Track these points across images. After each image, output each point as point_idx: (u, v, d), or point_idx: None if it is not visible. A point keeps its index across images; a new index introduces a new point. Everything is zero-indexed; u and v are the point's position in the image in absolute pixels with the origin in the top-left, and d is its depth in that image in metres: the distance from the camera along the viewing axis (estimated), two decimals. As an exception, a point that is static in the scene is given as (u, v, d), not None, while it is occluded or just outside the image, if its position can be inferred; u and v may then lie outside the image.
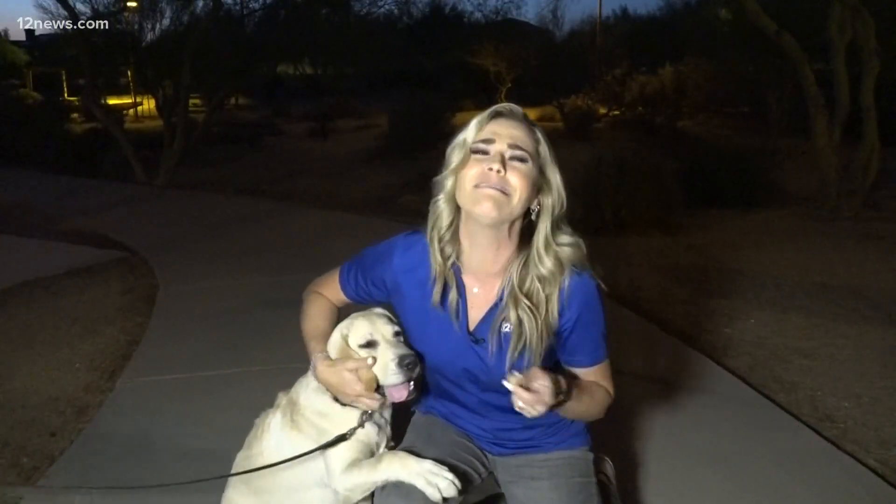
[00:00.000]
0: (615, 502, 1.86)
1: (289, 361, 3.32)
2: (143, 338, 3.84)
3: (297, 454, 1.65)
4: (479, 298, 1.61)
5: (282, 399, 1.79)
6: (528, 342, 1.52)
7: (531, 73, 19.01)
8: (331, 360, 1.63)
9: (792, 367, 3.46)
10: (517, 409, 1.40)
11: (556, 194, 1.53)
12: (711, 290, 4.64)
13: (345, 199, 8.81)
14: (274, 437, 1.74)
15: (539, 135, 1.53)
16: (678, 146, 11.08)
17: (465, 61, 21.85)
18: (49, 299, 4.63)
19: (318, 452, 1.65)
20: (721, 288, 4.68)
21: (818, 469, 2.49)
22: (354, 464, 1.60)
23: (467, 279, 1.61)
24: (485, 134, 1.50)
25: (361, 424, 1.63)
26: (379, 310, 1.72)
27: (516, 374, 1.40)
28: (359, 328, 1.65)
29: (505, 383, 1.39)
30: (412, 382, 1.60)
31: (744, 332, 3.91)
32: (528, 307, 1.51)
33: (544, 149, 1.53)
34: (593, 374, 1.64)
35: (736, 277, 4.92)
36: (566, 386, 1.48)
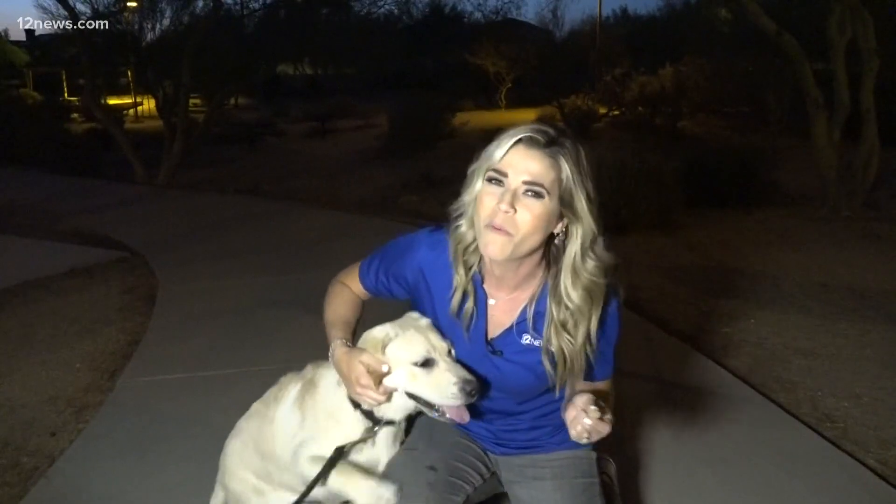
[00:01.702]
0: (617, 502, 1.86)
1: (289, 361, 3.32)
2: (143, 338, 3.84)
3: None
4: (499, 310, 1.61)
5: (309, 372, 1.76)
6: (572, 367, 1.53)
7: (531, 73, 19.05)
8: (349, 347, 1.60)
9: (792, 366, 3.46)
10: (581, 441, 1.38)
11: (585, 222, 1.46)
12: (711, 290, 4.64)
13: (345, 199, 8.81)
14: (285, 408, 1.75)
15: (563, 163, 1.42)
16: (678, 146, 11.09)
17: (465, 61, 21.88)
18: (49, 299, 4.63)
19: (300, 425, 1.68)
20: (721, 288, 4.68)
21: (818, 469, 2.49)
22: (320, 460, 1.61)
23: (489, 289, 1.61)
24: (502, 164, 1.43)
25: (363, 439, 1.61)
26: (425, 320, 1.64)
27: (593, 408, 1.36)
28: (413, 343, 1.55)
29: (586, 421, 1.35)
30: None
31: (744, 332, 3.91)
32: (569, 339, 1.51)
33: (567, 176, 1.42)
34: (602, 386, 1.65)
35: (736, 277, 4.92)
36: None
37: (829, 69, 7.13)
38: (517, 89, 21.98)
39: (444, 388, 1.50)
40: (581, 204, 1.45)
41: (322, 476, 1.58)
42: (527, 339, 1.57)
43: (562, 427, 1.70)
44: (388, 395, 1.56)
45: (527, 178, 1.41)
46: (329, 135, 17.54)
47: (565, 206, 1.45)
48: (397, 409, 1.60)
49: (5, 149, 12.94)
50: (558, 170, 1.43)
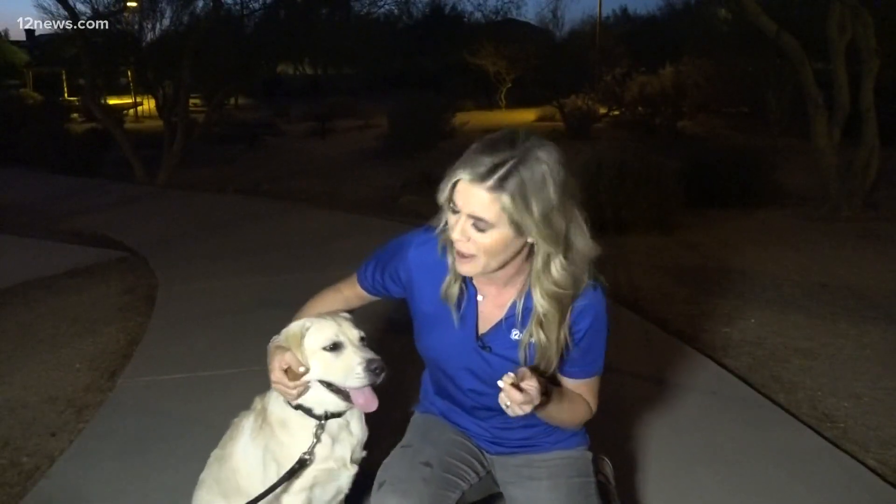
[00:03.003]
0: (614, 503, 1.86)
1: (289, 361, 3.33)
2: (143, 338, 3.84)
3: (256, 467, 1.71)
4: (488, 306, 1.62)
5: (257, 403, 1.79)
6: (550, 359, 1.55)
7: (531, 73, 19.04)
8: (283, 347, 1.63)
9: (792, 367, 3.45)
10: (503, 406, 1.41)
11: (540, 244, 1.45)
12: (711, 290, 4.64)
13: (345, 199, 8.82)
14: (243, 440, 1.76)
15: (504, 196, 1.38)
16: (678, 146, 11.09)
17: (465, 61, 21.87)
18: (49, 299, 4.63)
19: (265, 454, 1.69)
20: (721, 288, 4.68)
21: (818, 469, 2.49)
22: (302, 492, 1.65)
23: (478, 284, 1.63)
24: (453, 194, 1.46)
25: (308, 455, 1.62)
26: (345, 314, 1.71)
27: (510, 374, 1.41)
28: (324, 329, 1.61)
29: (499, 383, 1.40)
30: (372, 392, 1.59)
31: (744, 332, 3.91)
32: (546, 337, 1.53)
33: (510, 208, 1.39)
34: (582, 387, 1.66)
35: (736, 277, 4.92)
36: (547, 388, 1.52)
37: (829, 69, 7.12)
38: (517, 89, 21.99)
39: (350, 368, 1.56)
40: (532, 228, 1.42)
41: (281, 483, 1.60)
42: (515, 334, 1.58)
43: (557, 426, 1.71)
44: (304, 388, 1.61)
45: (470, 212, 1.43)
46: (329, 135, 17.54)
47: (517, 230, 1.43)
48: (321, 401, 1.63)
49: (5, 149, 12.93)
50: (500, 202, 1.40)
